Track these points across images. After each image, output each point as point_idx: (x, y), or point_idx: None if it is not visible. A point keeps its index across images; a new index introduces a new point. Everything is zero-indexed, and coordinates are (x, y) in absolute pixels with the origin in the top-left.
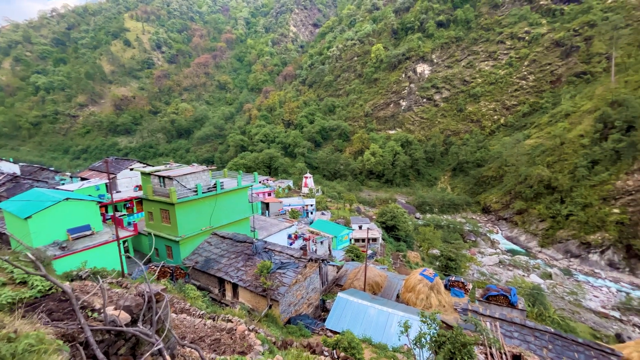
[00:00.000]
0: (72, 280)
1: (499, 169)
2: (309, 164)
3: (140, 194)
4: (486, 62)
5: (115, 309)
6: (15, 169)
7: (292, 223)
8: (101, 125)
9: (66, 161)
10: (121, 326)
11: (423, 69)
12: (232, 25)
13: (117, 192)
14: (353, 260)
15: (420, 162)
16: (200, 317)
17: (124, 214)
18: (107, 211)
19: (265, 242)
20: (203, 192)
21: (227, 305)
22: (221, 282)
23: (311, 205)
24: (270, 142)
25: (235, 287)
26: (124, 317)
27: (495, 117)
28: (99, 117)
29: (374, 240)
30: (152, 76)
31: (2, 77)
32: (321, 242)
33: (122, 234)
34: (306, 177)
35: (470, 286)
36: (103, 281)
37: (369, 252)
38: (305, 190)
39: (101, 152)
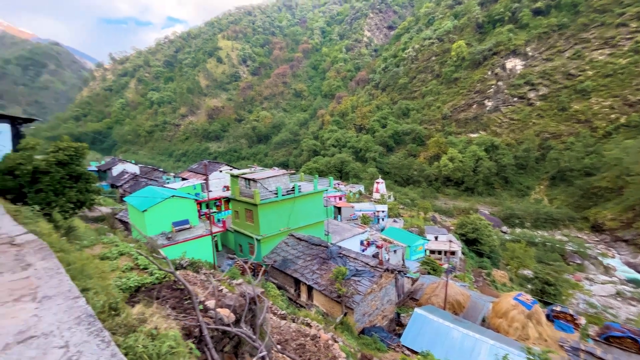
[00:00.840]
0: (176, 269)
1: (617, 179)
2: (381, 169)
3: (228, 194)
4: (600, 51)
5: (220, 306)
6: (135, 169)
7: (364, 229)
8: (197, 132)
9: (170, 163)
10: (229, 325)
11: (514, 64)
12: (309, 36)
13: (210, 191)
14: (429, 273)
15: (509, 169)
16: (283, 318)
17: (214, 211)
18: (201, 208)
19: (340, 247)
20: (282, 195)
21: (302, 306)
22: (297, 282)
23: (383, 211)
24: (341, 146)
25: (310, 289)
26: (230, 316)
27: (613, 115)
28: (196, 125)
29: (453, 253)
30: (238, 88)
31: (129, 95)
32: (394, 251)
33: (213, 229)
34: (378, 183)
35: (582, 321)
36: (199, 273)
37: (447, 266)
38: (376, 195)
39: (196, 155)
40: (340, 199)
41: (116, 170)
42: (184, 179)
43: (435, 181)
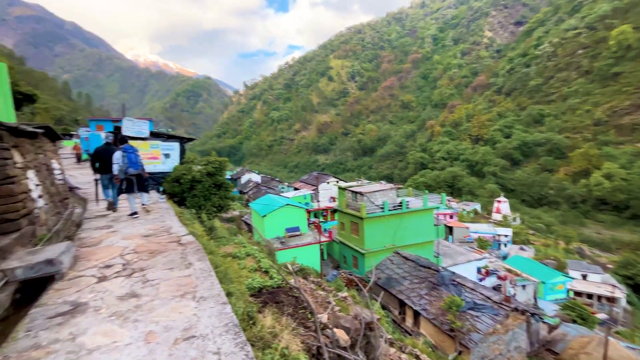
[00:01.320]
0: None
1: None
2: (502, 186)
3: (334, 205)
4: None
5: (335, 326)
6: (258, 178)
7: (481, 254)
8: (308, 146)
9: (285, 173)
10: (345, 349)
11: None
12: (419, 45)
13: (318, 201)
14: (574, 322)
15: None
16: (390, 344)
17: (322, 221)
18: (310, 216)
19: (453, 272)
20: (389, 210)
21: (407, 332)
22: (402, 305)
23: (506, 235)
24: (453, 159)
25: (416, 314)
26: (346, 339)
27: None
28: (307, 139)
29: (612, 300)
30: (346, 103)
31: (256, 114)
32: (523, 287)
33: (321, 238)
34: (499, 202)
35: None
36: (307, 279)
37: (603, 316)
38: (497, 216)
39: (306, 167)
40: (451, 217)
41: (244, 179)
42: (295, 189)
43: (583, 203)
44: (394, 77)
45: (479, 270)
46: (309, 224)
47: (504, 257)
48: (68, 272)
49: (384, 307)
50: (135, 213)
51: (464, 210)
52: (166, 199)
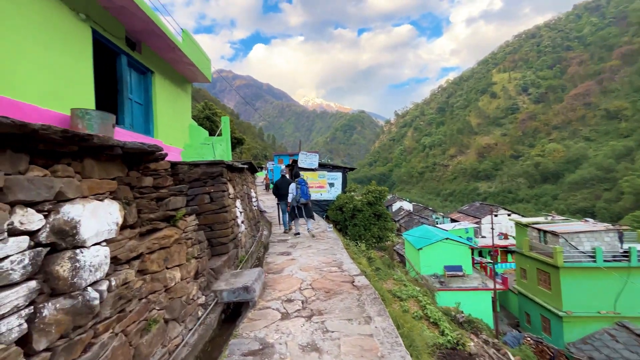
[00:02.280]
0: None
1: None
2: None
3: (506, 242)
4: None
5: None
6: (409, 207)
7: None
8: (465, 172)
9: (438, 202)
10: None
11: None
12: (633, 34)
13: (482, 237)
14: None
15: None
16: None
17: (489, 262)
18: (473, 254)
19: None
20: (605, 260)
21: None
22: None
23: None
24: None
25: None
26: None
27: None
28: (464, 165)
29: None
30: (516, 121)
31: (406, 142)
32: None
33: (491, 285)
34: None
35: None
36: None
37: None
38: None
39: (463, 195)
40: None
41: (395, 206)
42: (453, 220)
43: None
44: (591, 81)
45: None
46: (474, 263)
47: None
48: (259, 301)
49: None
50: (298, 233)
51: None
52: (333, 228)
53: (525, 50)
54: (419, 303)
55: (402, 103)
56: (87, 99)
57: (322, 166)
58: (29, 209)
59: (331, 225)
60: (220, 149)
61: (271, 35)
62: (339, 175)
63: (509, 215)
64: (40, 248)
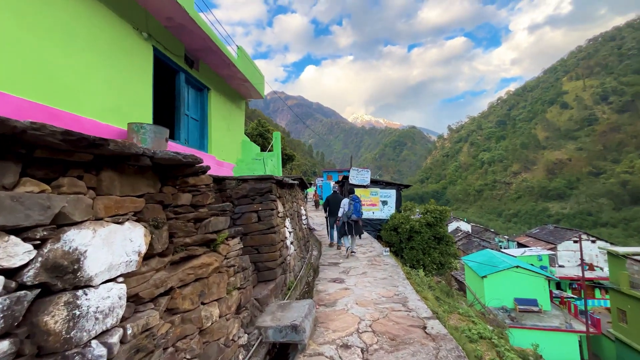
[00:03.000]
0: None
1: None
2: None
3: (592, 275)
4: None
5: None
6: (468, 227)
7: None
8: (532, 191)
9: (499, 223)
10: None
11: None
12: None
13: (559, 266)
14: None
15: None
16: None
17: (571, 297)
18: (549, 287)
19: None
20: None
21: None
22: None
23: None
24: None
25: None
26: None
27: None
28: (530, 182)
29: None
30: (594, 133)
31: (462, 158)
32: None
33: (576, 326)
34: None
35: None
36: None
37: None
38: None
39: (530, 217)
40: None
41: (451, 227)
42: (521, 245)
43: None
44: None
45: None
46: (552, 298)
47: None
48: (309, 343)
49: None
50: (353, 252)
51: None
52: (390, 253)
53: (603, 55)
54: (495, 347)
55: (457, 117)
56: (145, 114)
57: (375, 183)
58: (11, 237)
59: (387, 248)
60: (271, 165)
61: (322, 56)
62: (393, 192)
63: (593, 241)
64: (23, 292)
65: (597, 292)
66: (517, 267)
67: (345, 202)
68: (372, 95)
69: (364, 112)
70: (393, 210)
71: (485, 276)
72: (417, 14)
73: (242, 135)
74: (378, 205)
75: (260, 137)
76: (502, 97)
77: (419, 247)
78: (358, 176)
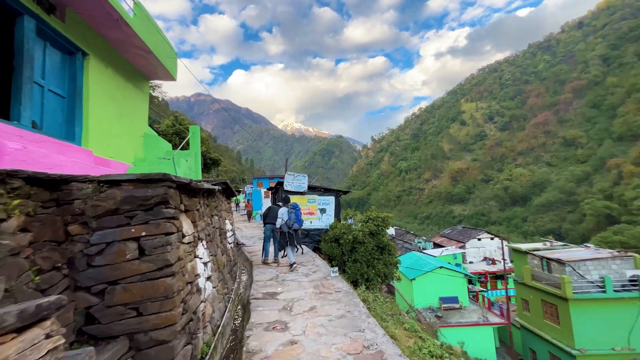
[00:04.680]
0: None
1: None
2: None
3: (493, 268)
4: None
5: None
6: (391, 231)
7: None
8: (440, 195)
9: (415, 225)
10: None
11: None
12: (581, 71)
13: (469, 262)
14: None
15: None
16: None
17: (481, 290)
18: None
19: None
20: (615, 291)
21: None
22: None
23: None
24: None
25: None
26: None
27: None
28: (439, 188)
29: None
30: (485, 147)
31: (383, 166)
32: None
33: (491, 318)
34: None
35: None
36: None
37: None
38: None
39: (439, 218)
40: None
41: None
42: (437, 245)
43: None
44: (548, 112)
45: None
46: (469, 293)
47: None
48: None
49: None
50: (294, 263)
51: None
52: (338, 274)
53: (489, 83)
54: None
55: (378, 129)
56: None
57: (312, 189)
58: None
59: (335, 268)
60: (185, 166)
61: (251, 61)
62: (332, 199)
63: (492, 238)
64: None
65: (499, 284)
66: (441, 267)
67: (283, 211)
68: (302, 104)
69: (294, 120)
70: (332, 219)
71: (414, 279)
72: (343, 31)
73: (145, 127)
74: (316, 213)
75: (176, 135)
76: (416, 113)
77: (363, 259)
78: (294, 182)
